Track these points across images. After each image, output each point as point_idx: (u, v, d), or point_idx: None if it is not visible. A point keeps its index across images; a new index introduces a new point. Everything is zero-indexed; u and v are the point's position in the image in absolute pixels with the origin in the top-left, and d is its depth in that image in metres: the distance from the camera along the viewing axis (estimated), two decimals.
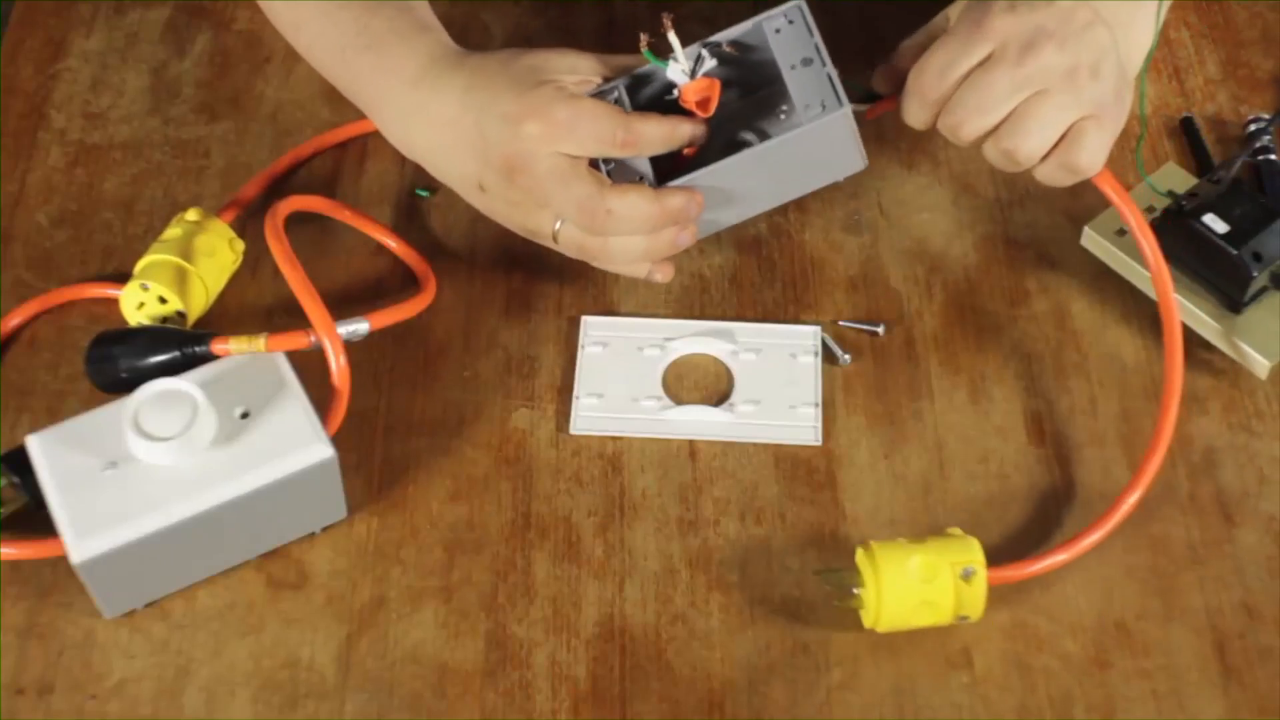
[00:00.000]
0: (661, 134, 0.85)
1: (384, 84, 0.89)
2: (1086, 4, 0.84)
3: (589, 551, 0.84)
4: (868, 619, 0.79)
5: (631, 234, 0.85)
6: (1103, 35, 0.84)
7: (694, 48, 0.86)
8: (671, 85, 0.86)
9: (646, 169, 0.86)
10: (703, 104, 0.86)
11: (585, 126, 0.83)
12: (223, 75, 1.05)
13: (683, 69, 0.85)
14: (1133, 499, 0.83)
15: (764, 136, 0.88)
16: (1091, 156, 0.84)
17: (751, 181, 0.87)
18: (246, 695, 0.79)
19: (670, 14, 0.84)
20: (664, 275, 0.89)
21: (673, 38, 0.84)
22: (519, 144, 0.83)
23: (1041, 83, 0.82)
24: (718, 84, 0.86)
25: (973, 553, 0.79)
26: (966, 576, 0.78)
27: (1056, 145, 0.84)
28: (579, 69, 0.86)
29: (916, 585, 0.78)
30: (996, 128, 0.84)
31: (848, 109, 0.85)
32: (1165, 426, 0.85)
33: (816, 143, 0.86)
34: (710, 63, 0.86)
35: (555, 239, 0.87)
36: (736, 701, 0.79)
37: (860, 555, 0.79)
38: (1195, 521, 0.85)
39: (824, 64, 0.86)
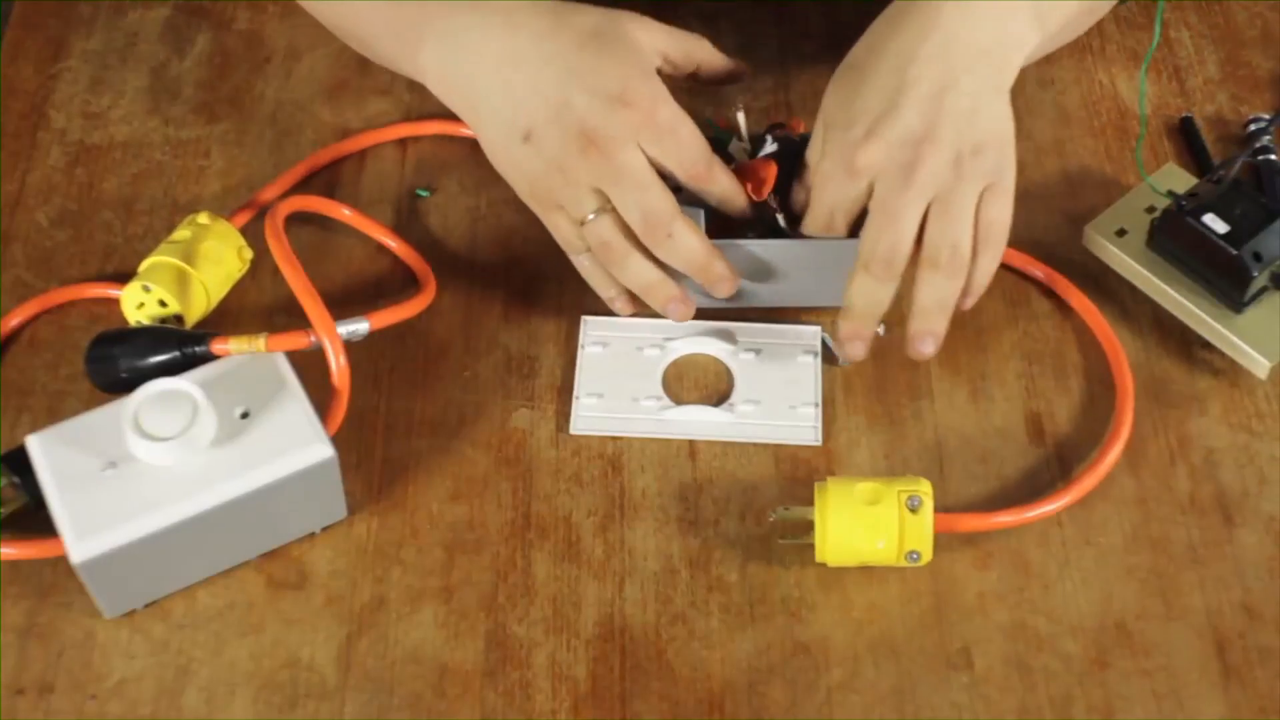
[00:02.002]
0: (729, 188, 0.86)
1: (432, 2, 0.87)
2: (930, 70, 0.83)
3: (589, 551, 0.84)
4: (818, 551, 0.81)
5: (677, 262, 0.86)
6: (962, 94, 0.83)
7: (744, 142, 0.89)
8: (728, 158, 0.89)
9: (700, 220, 0.87)
10: (758, 184, 0.87)
11: (677, 144, 0.84)
12: (223, 75, 1.05)
13: (744, 148, 0.88)
14: (1093, 477, 0.85)
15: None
16: (1003, 226, 0.85)
17: (784, 271, 0.89)
18: (246, 695, 0.79)
19: (742, 102, 0.89)
20: (624, 309, 0.90)
21: (741, 118, 0.88)
22: (611, 126, 0.83)
23: (936, 188, 0.83)
24: (775, 168, 0.88)
25: (920, 485, 0.80)
26: (913, 507, 0.79)
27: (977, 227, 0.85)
28: (656, 45, 0.86)
29: (862, 508, 0.80)
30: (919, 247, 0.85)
31: None
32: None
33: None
34: (772, 146, 0.88)
35: (582, 223, 0.86)
36: (736, 701, 0.79)
37: (816, 489, 0.81)
38: (1195, 521, 0.85)
39: None
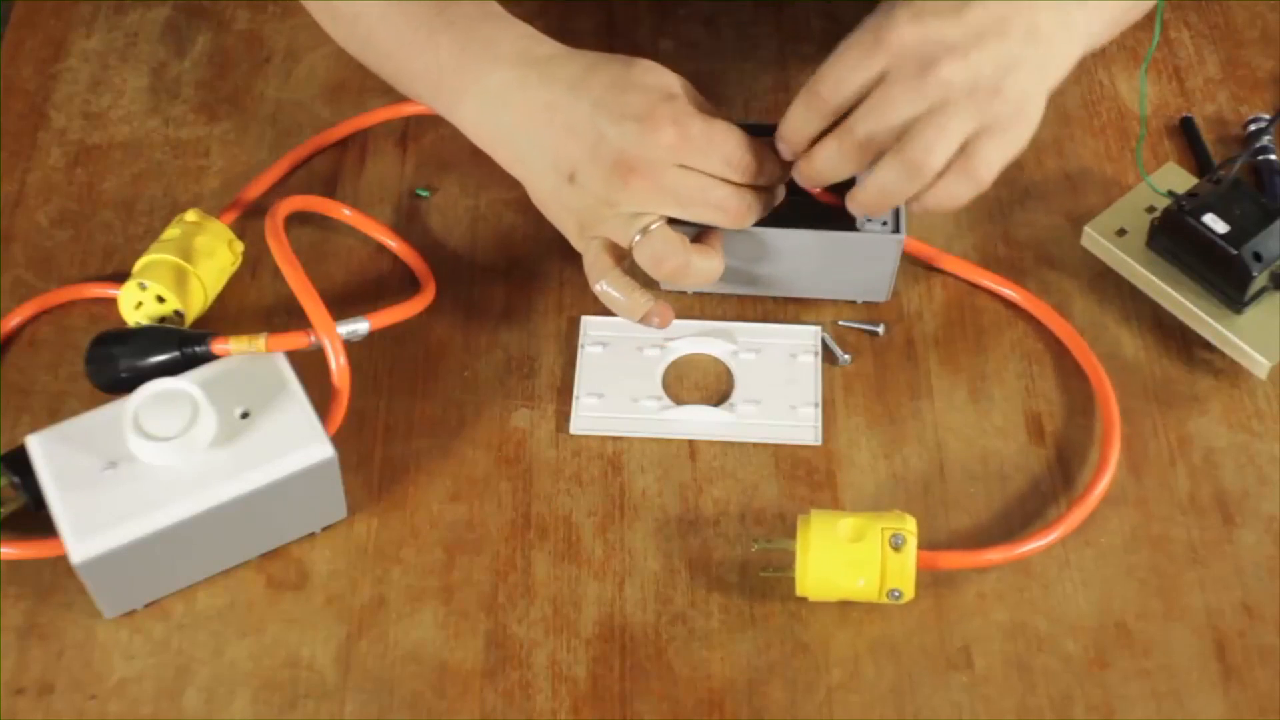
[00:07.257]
0: (779, 172, 0.86)
1: (471, 61, 0.88)
2: (997, 12, 0.81)
3: (589, 551, 0.84)
4: (799, 585, 0.80)
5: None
6: (1010, 48, 0.81)
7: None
8: None
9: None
10: None
11: (718, 146, 0.83)
12: (223, 75, 1.05)
13: None
14: (1079, 513, 0.84)
15: None
16: (988, 168, 0.82)
17: (789, 260, 0.90)
18: (246, 695, 0.79)
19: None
20: (666, 319, 0.87)
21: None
22: (646, 150, 0.83)
23: (940, 96, 0.80)
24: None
25: (905, 523, 0.79)
26: (896, 545, 0.79)
27: (955, 157, 0.82)
28: (674, 79, 0.86)
29: (844, 544, 0.79)
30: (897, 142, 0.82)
31: (903, 237, 0.88)
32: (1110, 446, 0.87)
33: (866, 254, 0.89)
34: None
35: (630, 246, 0.85)
36: (736, 701, 0.79)
37: (799, 522, 0.80)
38: (1195, 521, 0.85)
39: (897, 212, 0.90)
